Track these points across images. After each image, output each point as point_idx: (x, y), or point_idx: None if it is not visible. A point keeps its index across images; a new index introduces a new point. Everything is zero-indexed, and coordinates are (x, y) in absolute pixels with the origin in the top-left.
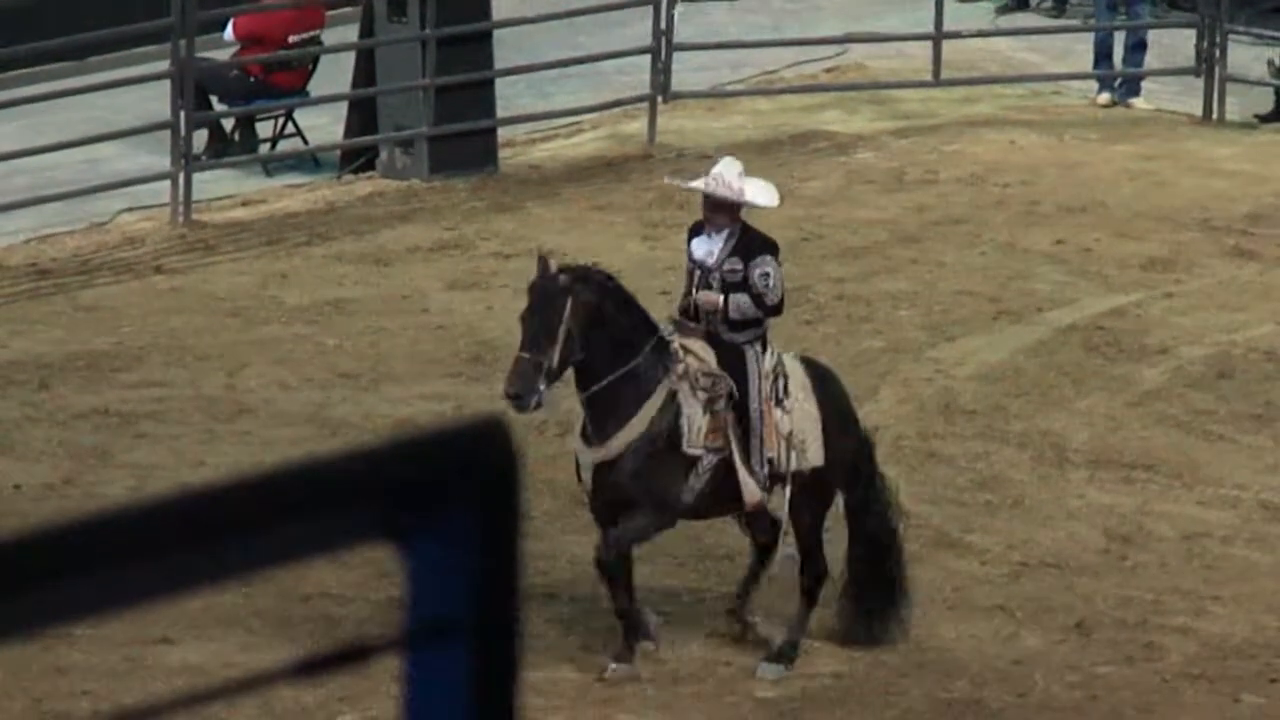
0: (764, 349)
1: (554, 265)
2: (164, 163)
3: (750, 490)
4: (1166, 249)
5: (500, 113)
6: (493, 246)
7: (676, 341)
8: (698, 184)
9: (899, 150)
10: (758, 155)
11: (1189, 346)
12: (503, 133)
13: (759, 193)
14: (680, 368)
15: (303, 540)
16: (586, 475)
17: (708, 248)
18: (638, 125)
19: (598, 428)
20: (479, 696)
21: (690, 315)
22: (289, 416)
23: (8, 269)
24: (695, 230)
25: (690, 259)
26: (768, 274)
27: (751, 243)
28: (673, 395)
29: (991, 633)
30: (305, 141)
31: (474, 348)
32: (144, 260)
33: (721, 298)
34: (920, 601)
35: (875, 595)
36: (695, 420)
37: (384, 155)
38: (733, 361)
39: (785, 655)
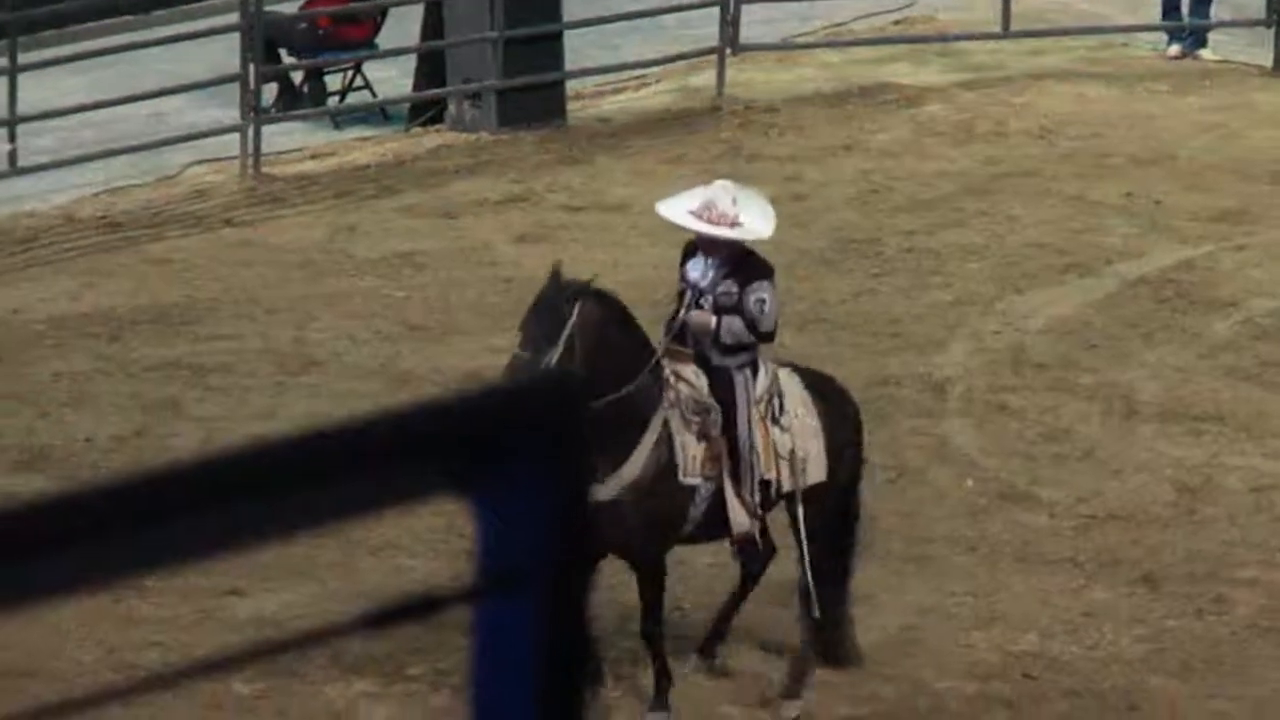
0: (755, 372)
1: (564, 279)
2: (233, 115)
3: (738, 520)
4: (1237, 201)
5: (568, 65)
6: (560, 199)
7: (668, 368)
8: (690, 221)
9: (968, 102)
10: (826, 107)
11: (1259, 299)
12: (571, 85)
13: (753, 219)
14: (672, 395)
15: (372, 493)
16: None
17: (702, 269)
18: (706, 78)
19: (602, 441)
20: (547, 649)
21: (679, 336)
22: (358, 369)
23: (78, 222)
24: (690, 249)
25: (683, 279)
26: (763, 300)
27: (748, 266)
28: (666, 424)
29: (1060, 585)
30: (374, 94)
31: None
32: (213, 213)
33: (714, 319)
34: (989, 554)
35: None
36: (690, 449)
37: (452, 108)
38: (723, 387)
39: (794, 693)
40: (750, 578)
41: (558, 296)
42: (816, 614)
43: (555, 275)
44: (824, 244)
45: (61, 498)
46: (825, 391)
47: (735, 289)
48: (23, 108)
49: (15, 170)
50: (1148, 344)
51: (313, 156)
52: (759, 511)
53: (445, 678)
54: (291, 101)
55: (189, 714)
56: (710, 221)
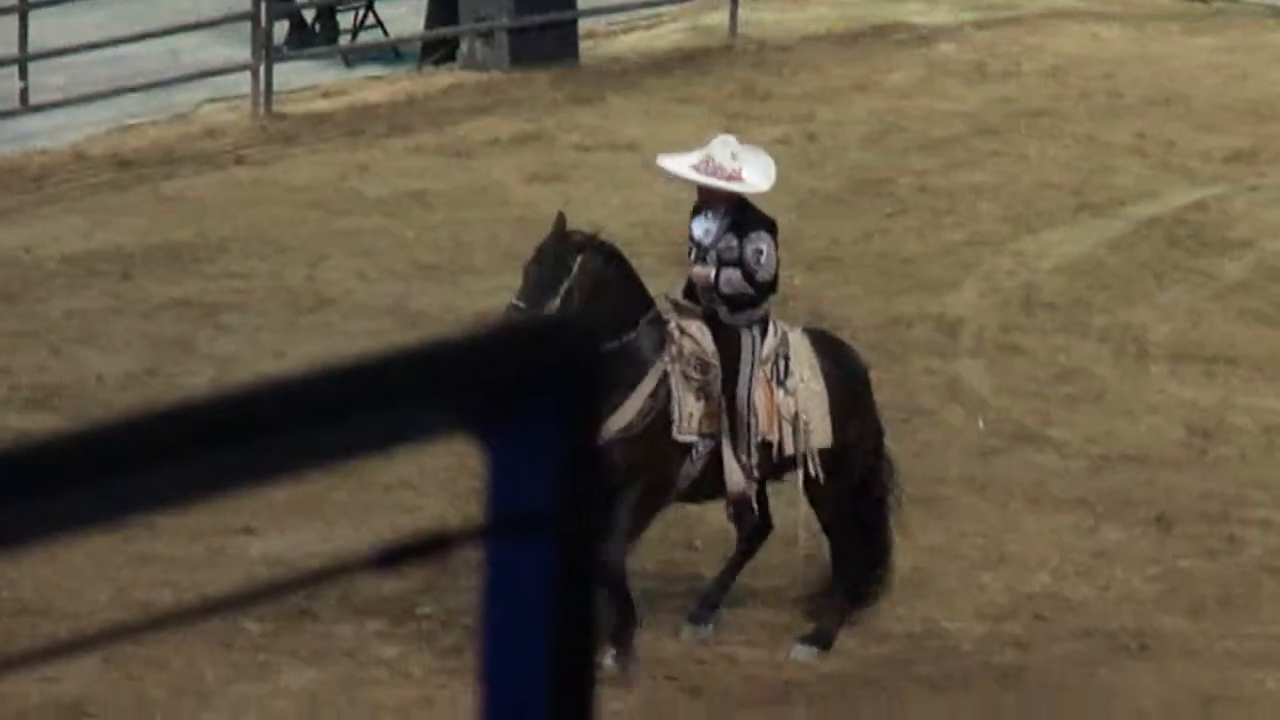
0: (764, 331)
1: (570, 230)
2: (245, 54)
3: (734, 480)
4: (1249, 142)
5: (581, 4)
6: (573, 139)
7: (674, 322)
8: (689, 173)
9: (980, 42)
10: (839, 47)
11: (1272, 240)
12: (583, 24)
13: (752, 173)
14: (674, 349)
15: (383, 432)
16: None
17: (705, 226)
18: (719, 17)
19: None
20: (558, 589)
21: (689, 293)
22: (369, 308)
23: (90, 159)
24: (696, 210)
25: (690, 239)
26: (761, 250)
27: (748, 219)
28: (664, 378)
29: (1072, 526)
30: (386, 33)
31: None
32: (225, 151)
33: (712, 271)
34: (1001, 494)
35: (854, 572)
36: (687, 406)
37: (464, 47)
38: (728, 345)
39: (820, 640)
40: (744, 553)
41: (561, 247)
42: (834, 588)
43: (559, 225)
44: (837, 184)
45: (73, 436)
46: (836, 356)
47: (735, 242)
48: (34, 45)
49: (27, 108)
50: (1160, 285)
51: (324, 95)
52: (755, 474)
53: (456, 617)
54: (303, 40)
55: (200, 652)
56: (709, 175)
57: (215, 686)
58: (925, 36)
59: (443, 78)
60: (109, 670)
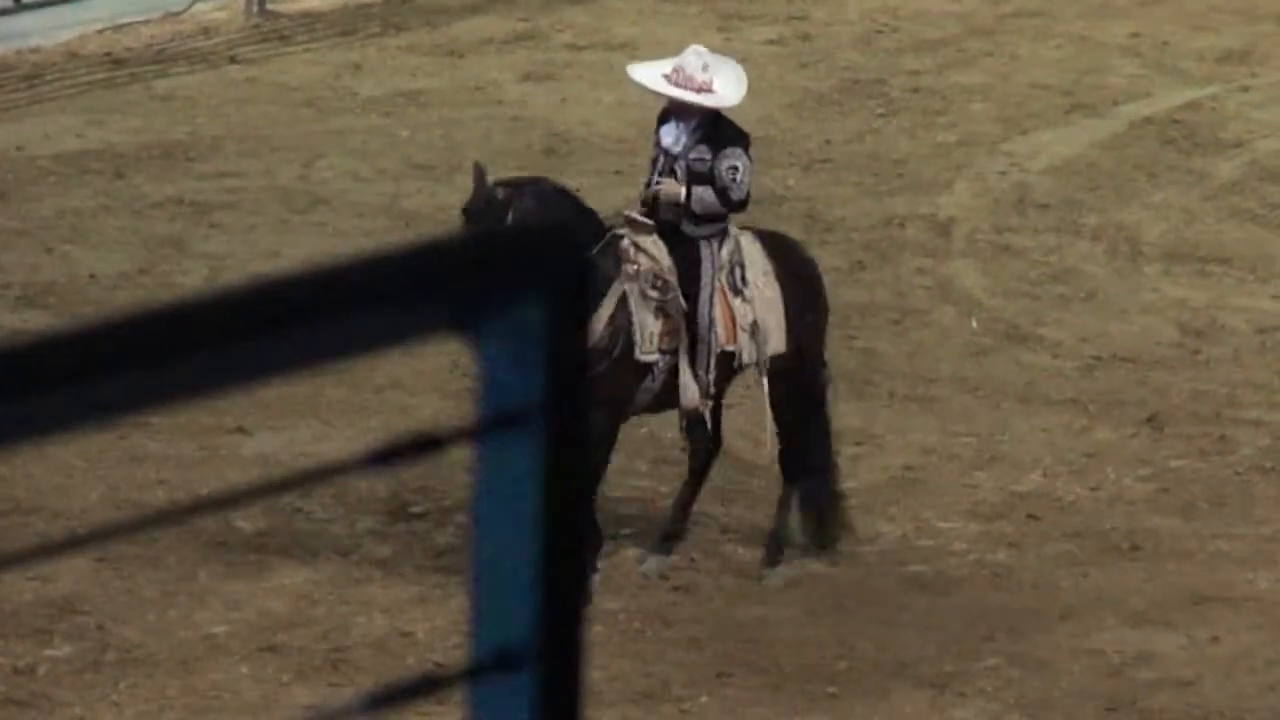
0: (722, 241)
1: (490, 178)
2: None
3: (689, 395)
4: (1243, 41)
5: None
6: (567, 38)
7: (627, 239)
8: (660, 84)
9: None
10: None
11: (1265, 140)
12: None
13: (725, 85)
14: (631, 269)
15: (376, 332)
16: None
17: (676, 134)
18: None
19: None
20: (548, 487)
21: (649, 207)
22: (362, 207)
23: (82, 58)
24: (664, 116)
25: (657, 145)
26: (736, 167)
27: (722, 132)
28: (624, 299)
29: (1064, 426)
30: None
31: (548, 140)
32: (218, 50)
33: (683, 190)
34: (993, 394)
35: (808, 487)
36: (648, 326)
37: None
38: (687, 259)
39: (774, 554)
40: (696, 473)
41: (490, 201)
42: (788, 490)
43: (479, 176)
44: (829, 84)
45: (66, 334)
46: (787, 257)
47: (708, 155)
48: None
49: (19, 6)
50: (1153, 185)
51: None
52: (712, 389)
53: (449, 516)
54: None
55: (193, 551)
56: (680, 86)
57: (208, 585)
58: None
59: None
60: (101, 569)
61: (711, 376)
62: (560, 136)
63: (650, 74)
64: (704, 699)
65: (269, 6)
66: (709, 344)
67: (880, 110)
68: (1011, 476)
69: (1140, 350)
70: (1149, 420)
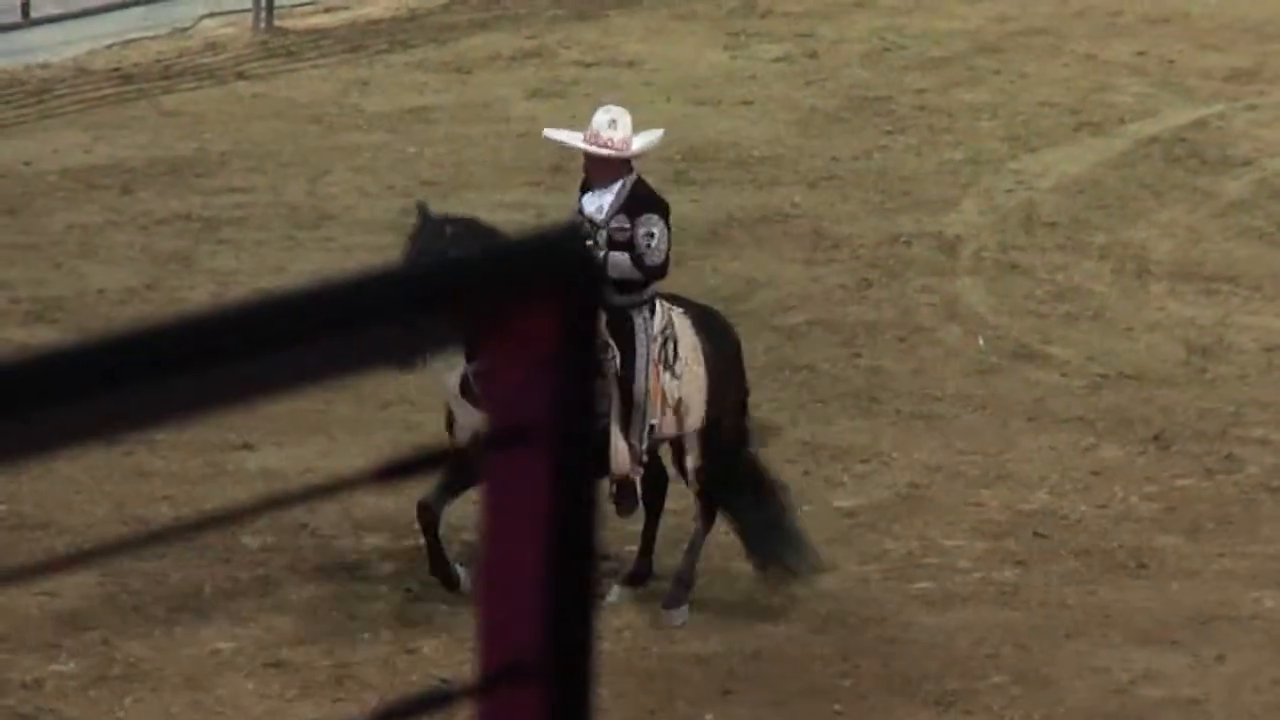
0: (652, 311)
1: (434, 212)
2: None
3: (620, 461)
4: (1250, 60)
5: None
6: (574, 55)
7: None
8: (574, 140)
9: None
10: None
11: (1272, 158)
12: None
13: (627, 139)
14: None
15: (384, 347)
16: (462, 436)
17: (598, 203)
18: None
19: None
20: (557, 501)
21: None
22: (370, 224)
23: (91, 73)
24: (585, 186)
25: (580, 213)
26: (652, 234)
27: (641, 201)
28: None
29: (1071, 444)
30: None
31: (554, 156)
32: (226, 66)
33: (600, 254)
34: (1000, 412)
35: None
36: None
37: None
38: (619, 327)
39: (678, 594)
40: (653, 516)
41: (433, 236)
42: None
43: (422, 213)
44: (836, 102)
45: (73, 349)
46: (710, 331)
47: (627, 224)
48: None
49: (28, 21)
50: (1160, 203)
51: (326, 10)
52: (644, 458)
53: (456, 533)
54: None
55: (198, 568)
56: (592, 144)
57: (214, 601)
58: None
59: None
60: (107, 584)
61: (644, 446)
62: (567, 153)
63: (565, 135)
64: (709, 716)
65: (277, 23)
66: (644, 412)
67: (887, 128)
68: (1018, 494)
69: (1147, 369)
70: (1155, 439)
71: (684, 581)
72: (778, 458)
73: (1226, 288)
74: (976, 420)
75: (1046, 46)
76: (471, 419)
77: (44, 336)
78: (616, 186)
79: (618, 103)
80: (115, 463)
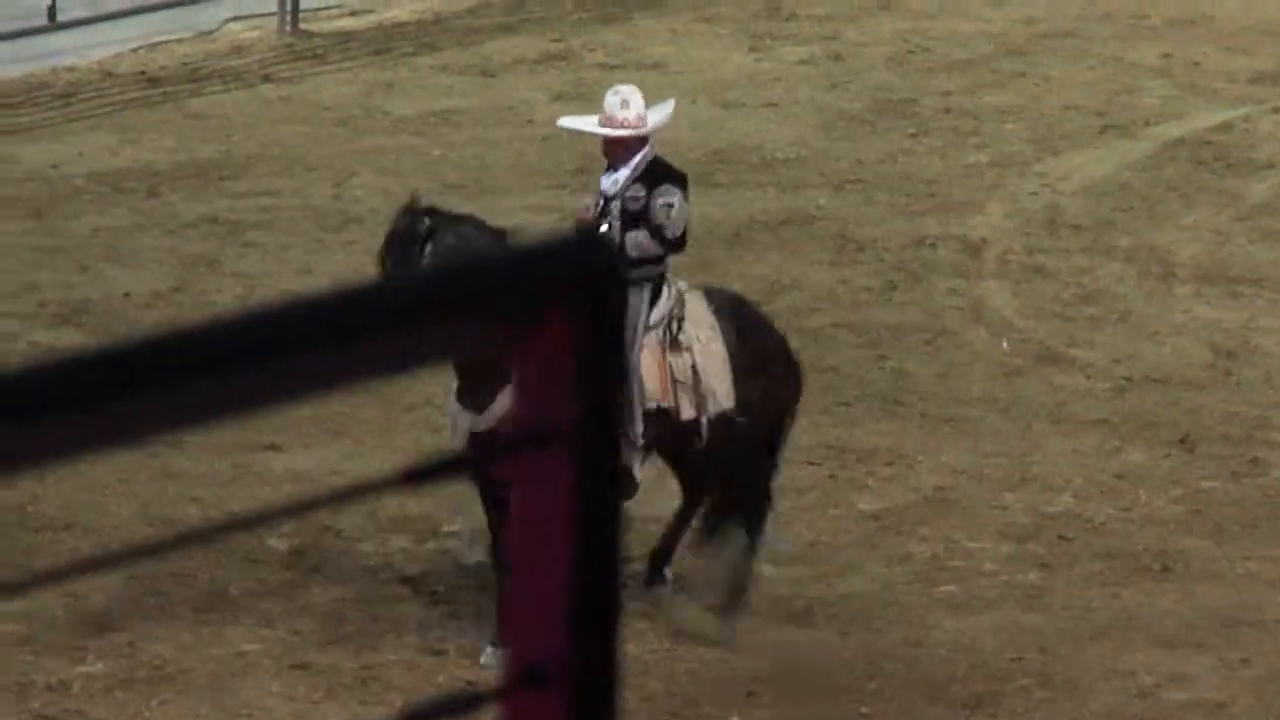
0: (656, 291)
1: (422, 203)
2: None
3: None
4: (1275, 62)
5: None
6: (598, 58)
7: None
8: (586, 125)
9: None
10: None
11: None
12: None
13: (641, 116)
14: None
15: (409, 350)
16: (460, 440)
17: (613, 178)
18: None
19: (472, 390)
20: (583, 503)
21: None
22: None
23: (116, 77)
24: (608, 168)
25: (598, 193)
26: (671, 205)
27: (657, 171)
28: None
29: (1095, 447)
30: None
31: (579, 159)
32: (252, 69)
33: (617, 235)
34: (1024, 415)
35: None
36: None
37: None
38: None
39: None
40: (679, 517)
41: (412, 227)
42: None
43: (409, 207)
44: (861, 104)
45: (100, 352)
46: (739, 318)
47: (643, 193)
48: None
49: (54, 25)
50: (1185, 206)
51: (351, 13)
52: (639, 442)
53: (480, 535)
54: None
55: (225, 569)
56: (605, 126)
57: (240, 603)
58: None
59: None
60: (134, 586)
61: (639, 430)
62: (591, 156)
63: (579, 121)
64: (734, 719)
65: (302, 26)
66: (635, 396)
67: (912, 130)
68: (1043, 497)
69: (1172, 371)
70: (1180, 442)
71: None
72: (802, 460)
73: (1251, 290)
74: (1001, 423)
75: (1072, 49)
76: (465, 424)
77: (71, 340)
78: (634, 161)
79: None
80: (142, 464)
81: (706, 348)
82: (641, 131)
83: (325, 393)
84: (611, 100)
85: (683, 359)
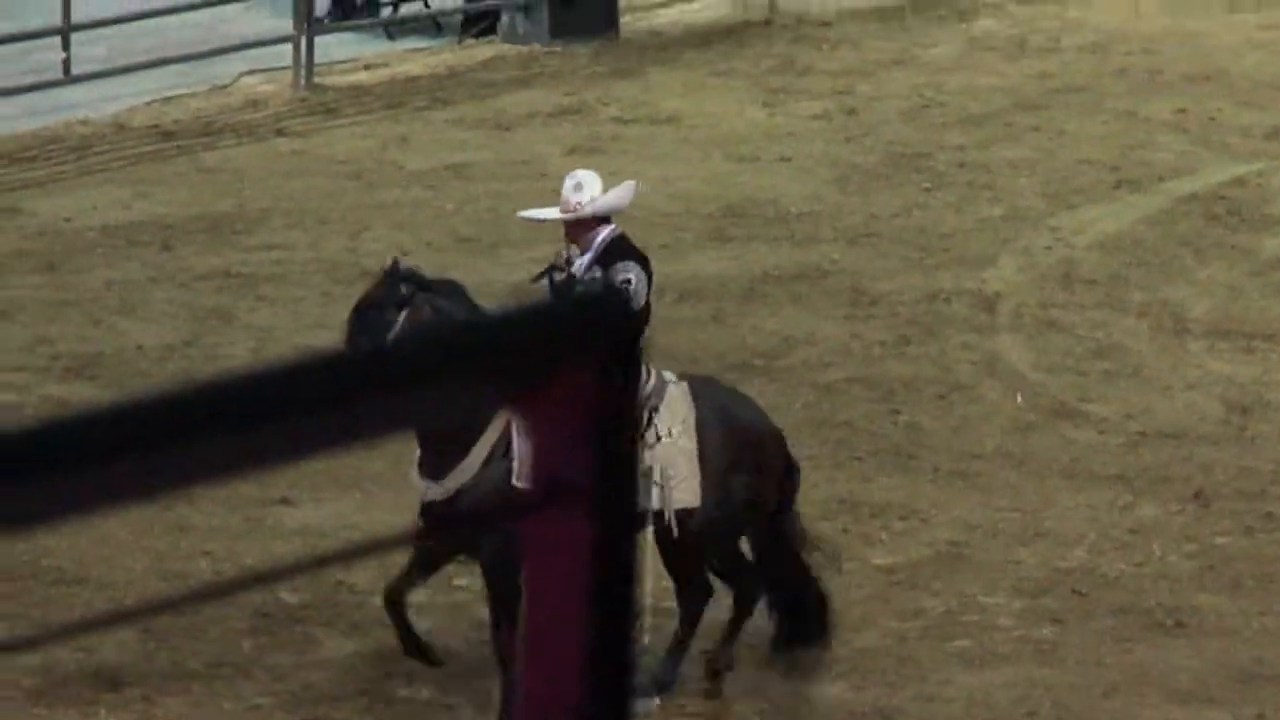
0: None
1: (403, 267)
2: (286, 25)
3: None
4: None
5: None
6: (612, 112)
7: None
8: (545, 213)
9: (1021, 17)
10: (879, 22)
11: None
12: None
13: (594, 198)
14: None
15: (421, 406)
16: (416, 507)
17: (578, 261)
18: None
19: (431, 460)
20: (597, 559)
21: None
22: None
23: (131, 130)
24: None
25: (562, 269)
26: (629, 280)
27: (615, 250)
28: (508, 426)
29: (1109, 502)
30: (427, 5)
31: None
32: (266, 123)
33: None
34: (1038, 470)
35: (799, 631)
36: (526, 454)
37: (505, 20)
38: None
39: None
40: (686, 620)
41: (389, 293)
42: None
43: (391, 270)
44: (876, 158)
45: (113, 406)
46: (723, 409)
47: (599, 273)
48: (76, 16)
49: (69, 79)
50: (1199, 261)
51: (365, 67)
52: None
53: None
54: (345, 12)
55: (237, 623)
56: (564, 211)
57: (252, 656)
58: (965, 11)
59: (483, 50)
60: (146, 640)
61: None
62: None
63: (538, 211)
64: None
65: (317, 80)
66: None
67: (926, 184)
68: (1056, 552)
69: (1186, 426)
70: (1195, 496)
71: (659, 680)
72: (815, 515)
73: (1265, 345)
74: (1015, 477)
75: (1086, 104)
76: (427, 495)
77: (83, 393)
78: (596, 242)
79: (656, 159)
80: (155, 517)
81: (675, 444)
82: (582, 215)
83: (337, 448)
84: (568, 184)
85: (646, 450)
